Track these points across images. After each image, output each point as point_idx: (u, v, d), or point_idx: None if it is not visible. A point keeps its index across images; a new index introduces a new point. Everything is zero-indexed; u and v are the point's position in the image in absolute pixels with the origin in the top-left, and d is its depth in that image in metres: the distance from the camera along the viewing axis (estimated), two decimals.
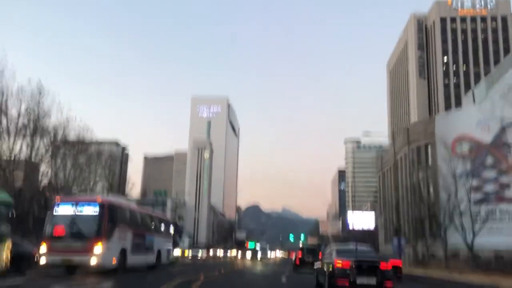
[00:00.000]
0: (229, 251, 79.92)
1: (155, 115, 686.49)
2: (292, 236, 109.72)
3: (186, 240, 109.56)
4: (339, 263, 12.67)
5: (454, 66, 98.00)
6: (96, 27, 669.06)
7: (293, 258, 33.71)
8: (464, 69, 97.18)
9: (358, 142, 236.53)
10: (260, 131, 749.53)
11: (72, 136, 36.73)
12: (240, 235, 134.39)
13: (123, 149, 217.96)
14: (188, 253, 60.82)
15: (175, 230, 30.34)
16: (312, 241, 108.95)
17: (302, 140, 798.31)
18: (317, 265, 16.12)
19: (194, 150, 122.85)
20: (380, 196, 65.82)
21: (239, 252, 77.08)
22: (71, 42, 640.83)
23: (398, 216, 43.25)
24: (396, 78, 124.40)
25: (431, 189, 43.54)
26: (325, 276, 13.36)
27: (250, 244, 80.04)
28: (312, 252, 30.60)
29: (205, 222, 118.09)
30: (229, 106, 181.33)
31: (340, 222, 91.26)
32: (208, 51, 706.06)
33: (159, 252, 23.22)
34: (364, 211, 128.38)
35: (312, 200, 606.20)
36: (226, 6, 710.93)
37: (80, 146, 38.05)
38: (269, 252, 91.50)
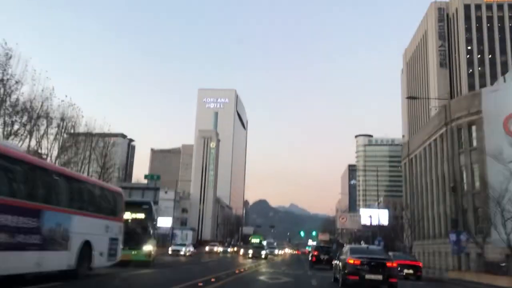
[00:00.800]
0: (230, 247, 73.49)
1: (163, 110, 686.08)
2: (303, 232, 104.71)
3: (189, 234, 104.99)
4: (351, 260, 14.73)
5: (479, 55, 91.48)
6: (103, 23, 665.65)
7: (309, 256, 39.65)
8: (490, 58, 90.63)
9: (369, 137, 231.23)
10: (268, 128, 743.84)
11: (57, 114, 31.17)
12: (248, 230, 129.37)
13: (130, 141, 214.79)
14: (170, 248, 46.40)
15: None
16: (324, 237, 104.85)
17: (310, 137, 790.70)
18: (335, 262, 18.52)
19: (200, 140, 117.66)
20: (406, 186, 59.13)
21: (243, 248, 69.64)
22: (78, 39, 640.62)
23: (458, 205, 36.94)
24: (413, 69, 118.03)
25: (475, 176, 37.40)
26: (340, 272, 15.74)
27: (254, 238, 71.45)
28: (326, 250, 35.60)
29: (210, 215, 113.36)
30: (237, 97, 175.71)
31: (361, 216, 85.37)
32: (216, 49, 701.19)
33: (85, 246, 12.93)
34: (377, 208, 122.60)
35: (320, 196, 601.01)
36: (235, 2, 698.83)
37: (65, 123, 32.24)
38: (276, 249, 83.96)
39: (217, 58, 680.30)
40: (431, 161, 47.58)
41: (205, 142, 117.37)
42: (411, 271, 25.18)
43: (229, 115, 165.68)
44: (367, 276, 14.28)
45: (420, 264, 25.88)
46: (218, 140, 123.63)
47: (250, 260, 40.55)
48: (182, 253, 44.35)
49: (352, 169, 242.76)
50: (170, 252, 44.14)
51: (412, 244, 47.51)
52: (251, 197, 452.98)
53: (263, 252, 46.76)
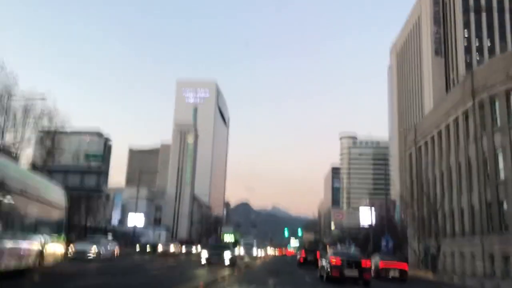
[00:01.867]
0: (194, 247, 57.70)
1: (142, 107, 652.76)
2: (287, 229, 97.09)
3: (163, 234, 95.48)
4: (333, 260, 18.21)
5: (477, 41, 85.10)
6: (76, 14, 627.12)
7: (297, 257, 41.13)
8: (489, 45, 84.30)
9: (354, 138, 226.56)
10: (250, 128, 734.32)
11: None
12: (227, 230, 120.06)
13: (106, 140, 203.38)
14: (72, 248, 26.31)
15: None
16: (308, 237, 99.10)
17: (294, 138, 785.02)
18: (320, 262, 22.33)
19: (176, 135, 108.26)
20: (411, 180, 50.34)
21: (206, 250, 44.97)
22: (49, 31, 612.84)
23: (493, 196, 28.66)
24: (405, 60, 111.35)
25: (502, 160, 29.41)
26: (324, 269, 19.34)
27: (226, 234, 54.20)
28: (313, 252, 36.53)
29: (186, 214, 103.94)
30: (218, 91, 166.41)
31: (360, 214, 78.42)
32: (196, 44, 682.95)
33: None
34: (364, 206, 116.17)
35: (303, 198, 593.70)
36: None
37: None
38: (255, 249, 73.68)
39: (197, 54, 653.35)
40: (450, 145, 38.72)
41: (182, 136, 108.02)
42: (397, 274, 24.90)
43: (209, 110, 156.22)
44: (346, 273, 17.50)
45: (406, 267, 25.84)
46: (197, 135, 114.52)
47: (205, 270, 23.16)
48: (90, 255, 26.21)
49: (335, 172, 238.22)
50: (71, 253, 25.58)
51: (430, 244, 38.47)
52: (233, 199, 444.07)
53: (227, 256, 27.36)
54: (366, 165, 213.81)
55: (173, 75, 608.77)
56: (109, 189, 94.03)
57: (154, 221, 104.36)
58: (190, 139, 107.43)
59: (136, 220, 78.77)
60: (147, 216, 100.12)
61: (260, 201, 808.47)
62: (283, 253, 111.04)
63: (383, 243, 41.11)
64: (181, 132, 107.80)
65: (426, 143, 45.36)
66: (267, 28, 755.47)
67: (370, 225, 56.55)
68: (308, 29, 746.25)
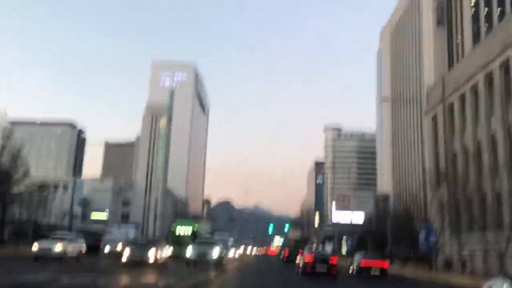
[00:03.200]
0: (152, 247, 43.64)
1: (116, 94, 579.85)
2: (272, 225, 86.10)
3: (131, 231, 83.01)
4: (308, 257, 22.87)
5: (486, 9, 75.33)
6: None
7: (282, 256, 49.94)
8: (499, 14, 74.61)
9: (339, 130, 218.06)
10: (232, 123, 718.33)
11: None
12: (184, 221, 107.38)
13: (79, 132, 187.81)
14: None
15: None
16: (295, 234, 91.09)
17: (276, 133, 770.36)
18: (298, 259, 27.52)
19: (147, 117, 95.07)
20: (435, 153, 38.68)
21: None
22: (19, 16, 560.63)
23: None
24: (400, 38, 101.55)
25: None
26: (300, 265, 23.91)
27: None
28: (295, 250, 41.05)
29: (158, 209, 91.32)
30: (196, 74, 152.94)
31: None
32: (172, 21, 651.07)
33: None
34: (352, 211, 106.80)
35: (285, 197, 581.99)
36: None
37: None
38: (233, 249, 55.79)
39: (174, 33, 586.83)
40: (491, 104, 28.82)
41: (154, 120, 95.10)
42: (377, 272, 25.23)
43: (187, 95, 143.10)
44: (317, 268, 22.13)
45: (386, 265, 26.27)
46: (171, 119, 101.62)
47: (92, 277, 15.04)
48: (55, 250, 22.64)
49: (319, 166, 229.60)
50: (35, 250, 22.67)
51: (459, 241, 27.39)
52: (215, 197, 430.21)
53: (151, 255, 20.68)
54: (351, 158, 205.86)
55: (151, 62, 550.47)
56: (64, 181, 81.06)
57: (122, 217, 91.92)
58: (163, 123, 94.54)
59: (99, 215, 66.28)
60: (112, 211, 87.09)
61: (242, 200, 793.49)
62: (265, 252, 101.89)
63: (422, 236, 31.20)
64: (152, 116, 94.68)
65: (458, 99, 34.12)
66: (251, 16, 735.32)
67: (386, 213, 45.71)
68: (294, 9, 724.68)
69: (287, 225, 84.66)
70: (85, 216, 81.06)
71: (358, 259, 26.51)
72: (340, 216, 69.51)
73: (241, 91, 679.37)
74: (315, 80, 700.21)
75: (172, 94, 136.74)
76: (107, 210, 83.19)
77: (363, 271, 25.28)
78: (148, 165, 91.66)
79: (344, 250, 75.21)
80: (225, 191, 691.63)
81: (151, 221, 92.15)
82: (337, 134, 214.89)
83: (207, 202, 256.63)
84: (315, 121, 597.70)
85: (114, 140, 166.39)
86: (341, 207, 60.73)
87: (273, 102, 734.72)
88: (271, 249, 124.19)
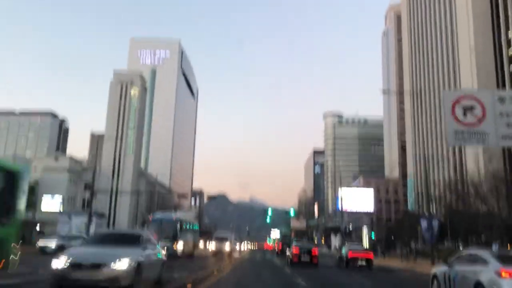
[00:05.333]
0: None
1: (101, 85, 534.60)
2: (271, 209, 71.31)
3: (93, 221, 67.47)
4: (294, 249, 26.56)
5: None
6: None
7: (276, 249, 52.78)
8: None
9: (339, 117, 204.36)
10: (225, 116, 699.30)
11: None
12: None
13: (61, 122, 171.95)
14: None
15: None
16: (298, 224, 79.11)
17: (274, 123, 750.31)
18: (287, 251, 31.36)
19: (116, 86, 78.59)
20: None
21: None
22: None
23: None
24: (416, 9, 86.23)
25: None
26: (289, 256, 28.02)
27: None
28: (287, 244, 40.60)
29: (128, 195, 75.75)
30: (182, 52, 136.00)
31: (355, 196, 58.31)
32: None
33: None
34: (358, 188, 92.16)
35: (282, 190, 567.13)
36: None
37: None
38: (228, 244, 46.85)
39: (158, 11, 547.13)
40: None
41: (123, 88, 79.02)
42: (364, 263, 26.42)
43: (171, 74, 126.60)
44: (302, 258, 25.87)
45: (372, 256, 27.70)
46: (145, 88, 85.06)
47: None
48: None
49: (318, 155, 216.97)
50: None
51: None
52: (210, 190, 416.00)
53: None
54: (353, 146, 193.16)
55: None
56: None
57: (84, 205, 76.27)
58: (134, 92, 78.37)
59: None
60: (70, 197, 71.20)
61: (238, 193, 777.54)
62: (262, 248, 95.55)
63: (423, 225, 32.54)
64: (122, 84, 78.43)
65: None
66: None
67: None
68: None
69: (292, 210, 69.46)
70: (34, 204, 64.44)
71: (346, 251, 27.66)
72: (349, 203, 58.38)
73: (230, 78, 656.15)
74: (314, 68, 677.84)
75: (154, 73, 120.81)
76: (62, 196, 66.99)
77: (350, 262, 26.53)
78: (116, 142, 75.50)
79: (366, 242, 59.87)
80: (221, 185, 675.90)
81: (121, 210, 76.43)
82: (338, 120, 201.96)
83: (200, 194, 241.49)
84: (312, 111, 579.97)
85: (101, 129, 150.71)
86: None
87: (267, 92, 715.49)
88: (268, 243, 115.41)
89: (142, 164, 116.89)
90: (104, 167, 76.13)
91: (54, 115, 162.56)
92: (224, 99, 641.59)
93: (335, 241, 68.36)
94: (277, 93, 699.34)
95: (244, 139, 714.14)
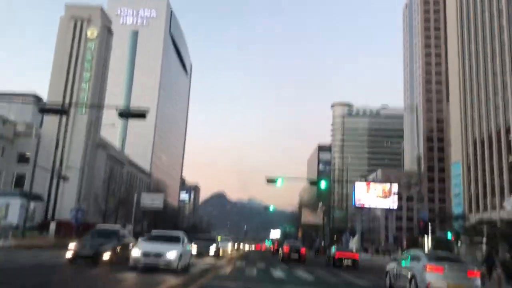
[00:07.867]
0: None
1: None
2: (273, 206, 51.86)
3: (32, 207, 47.10)
4: (285, 248, 31.07)
5: None
6: None
7: (272, 249, 56.66)
8: None
9: (349, 106, 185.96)
10: (223, 114, 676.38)
11: None
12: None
13: (45, 104, 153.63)
14: None
15: None
16: (313, 217, 58.97)
17: (277, 121, 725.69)
18: (280, 250, 35.09)
19: (68, 23, 56.43)
20: None
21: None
22: None
23: None
24: None
25: None
26: (280, 254, 32.33)
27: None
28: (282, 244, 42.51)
29: (78, 173, 54.45)
30: (172, 13, 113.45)
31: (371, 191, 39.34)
32: None
33: None
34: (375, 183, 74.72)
35: (282, 188, 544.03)
36: None
37: None
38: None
39: None
40: None
41: (77, 26, 57.24)
42: (350, 263, 28.18)
43: (156, 37, 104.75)
44: (291, 256, 30.23)
45: (357, 257, 29.62)
46: (110, 30, 62.47)
47: None
48: None
49: (323, 150, 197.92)
50: None
51: None
52: (208, 191, 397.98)
53: None
54: (363, 137, 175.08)
55: None
56: None
57: (16, 184, 55.90)
58: (91, 33, 56.66)
59: None
60: None
61: (237, 192, 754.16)
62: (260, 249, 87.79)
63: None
64: (76, 20, 56.71)
65: None
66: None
67: None
68: None
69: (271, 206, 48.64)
70: None
71: (333, 251, 29.63)
72: (367, 199, 50.59)
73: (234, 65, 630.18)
74: (325, 54, 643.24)
75: (136, 37, 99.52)
76: None
77: (336, 262, 28.19)
78: (64, 99, 53.91)
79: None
80: (220, 182, 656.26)
81: (68, 192, 55.06)
82: (347, 110, 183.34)
83: (196, 189, 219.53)
84: (319, 110, 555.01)
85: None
86: None
87: (269, 90, 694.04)
88: (266, 244, 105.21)
89: (118, 145, 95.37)
90: (45, 133, 54.64)
91: (37, 97, 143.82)
92: (220, 83, 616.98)
93: (351, 243, 54.20)
94: (279, 87, 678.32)
95: (244, 139, 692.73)
